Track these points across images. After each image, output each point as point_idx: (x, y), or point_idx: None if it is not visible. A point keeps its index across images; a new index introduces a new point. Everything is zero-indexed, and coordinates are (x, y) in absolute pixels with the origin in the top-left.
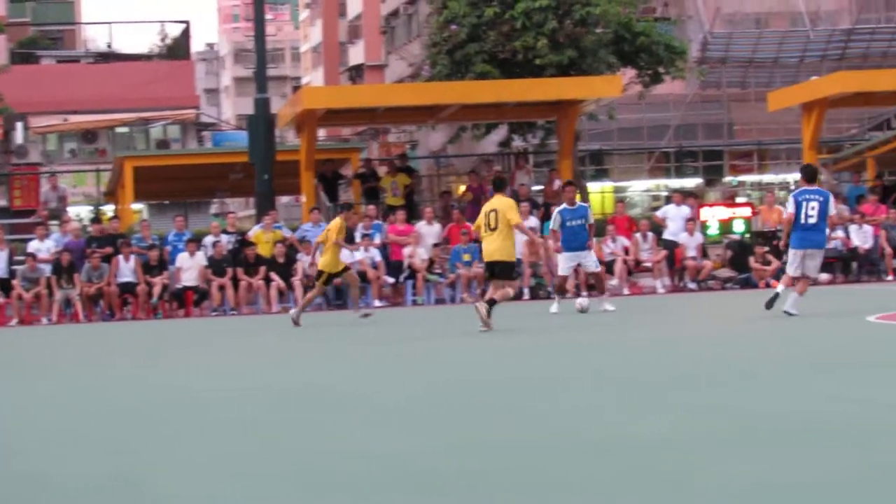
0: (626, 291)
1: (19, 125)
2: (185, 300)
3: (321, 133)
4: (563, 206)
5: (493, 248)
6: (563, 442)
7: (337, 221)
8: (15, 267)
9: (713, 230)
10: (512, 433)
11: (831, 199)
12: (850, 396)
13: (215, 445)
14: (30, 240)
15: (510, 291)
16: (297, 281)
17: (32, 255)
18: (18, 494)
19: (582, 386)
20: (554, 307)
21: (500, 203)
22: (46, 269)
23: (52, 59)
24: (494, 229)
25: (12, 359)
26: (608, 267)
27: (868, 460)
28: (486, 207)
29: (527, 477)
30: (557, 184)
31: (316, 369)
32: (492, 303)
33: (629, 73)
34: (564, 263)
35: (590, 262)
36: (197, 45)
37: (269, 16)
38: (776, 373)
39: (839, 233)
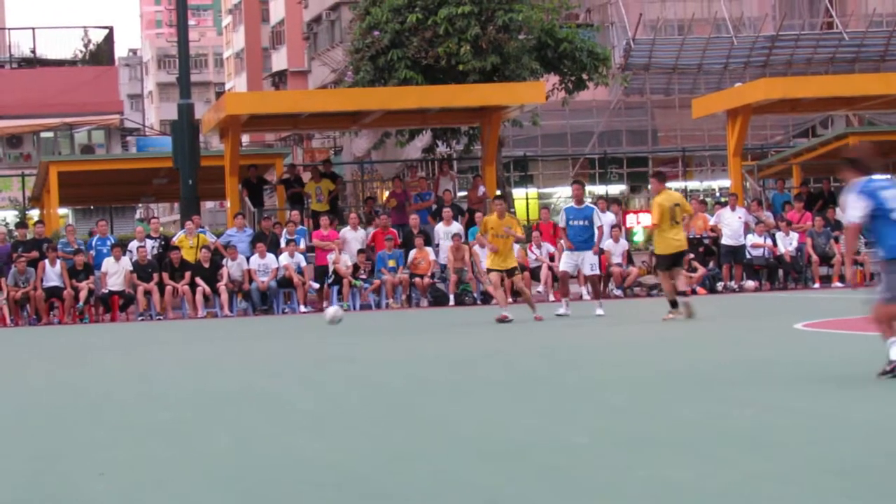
0: (551, 298)
1: None
2: (112, 305)
3: (245, 138)
4: (571, 204)
5: (682, 238)
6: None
7: (493, 216)
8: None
9: (639, 237)
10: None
11: None
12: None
13: (136, 450)
14: None
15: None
16: (221, 286)
17: None
18: None
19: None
20: (561, 309)
21: (678, 197)
22: None
23: None
24: (678, 223)
25: None
26: (532, 274)
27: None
28: (665, 202)
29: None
30: (482, 190)
31: (241, 374)
32: (680, 293)
33: (553, 79)
34: (565, 260)
35: (587, 264)
36: (120, 51)
37: (191, 21)
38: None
39: (766, 240)
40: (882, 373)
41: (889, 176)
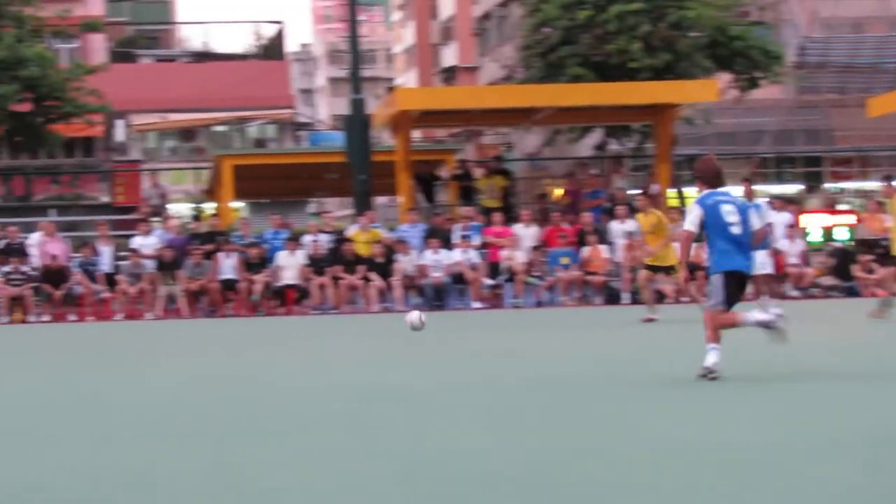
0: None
1: (120, 123)
2: (286, 298)
3: (416, 134)
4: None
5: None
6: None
7: (655, 213)
8: (119, 262)
9: (815, 237)
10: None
11: None
12: None
13: (315, 441)
14: (132, 236)
15: None
16: (395, 281)
17: (136, 251)
18: (121, 484)
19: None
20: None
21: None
22: (150, 264)
23: (150, 58)
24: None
25: (121, 351)
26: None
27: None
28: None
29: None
30: (655, 188)
31: (414, 368)
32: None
33: (725, 77)
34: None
35: (756, 263)
36: (291, 46)
37: (361, 17)
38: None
39: None
40: (700, 376)
41: (729, 190)
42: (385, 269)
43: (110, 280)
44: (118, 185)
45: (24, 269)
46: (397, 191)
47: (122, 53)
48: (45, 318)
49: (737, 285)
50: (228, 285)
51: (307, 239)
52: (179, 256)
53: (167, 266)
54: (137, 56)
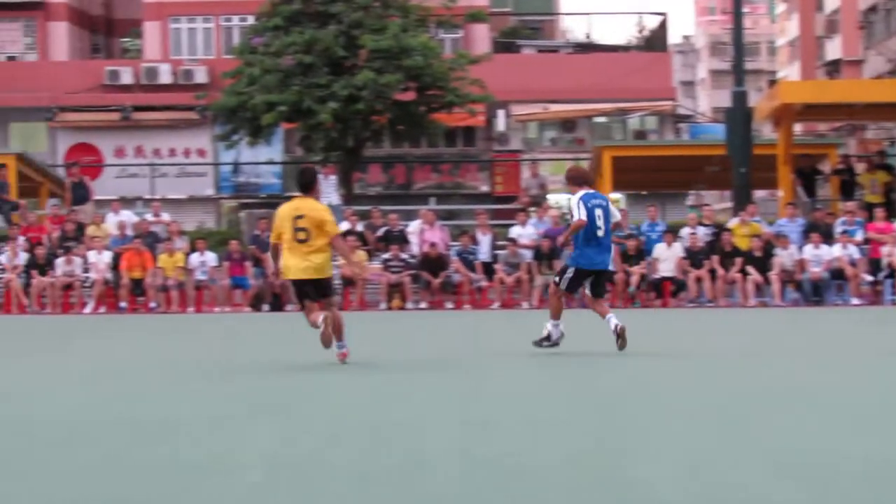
0: None
1: (501, 113)
2: (663, 290)
3: (796, 128)
4: None
5: None
6: None
7: None
8: (497, 251)
9: None
10: None
11: None
12: None
13: (686, 435)
14: (511, 225)
15: None
16: (774, 275)
17: (514, 241)
18: (495, 476)
19: None
20: None
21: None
22: (527, 254)
23: (532, 48)
24: None
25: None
26: None
27: None
28: None
29: None
30: None
31: (788, 365)
32: None
33: None
34: None
35: None
36: (674, 38)
37: (745, 9)
38: None
39: None
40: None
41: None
42: (763, 264)
43: (488, 269)
44: (498, 174)
45: (404, 256)
46: (777, 185)
47: (505, 44)
48: (423, 305)
49: None
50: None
51: (685, 231)
52: (557, 247)
53: (544, 256)
54: (520, 46)
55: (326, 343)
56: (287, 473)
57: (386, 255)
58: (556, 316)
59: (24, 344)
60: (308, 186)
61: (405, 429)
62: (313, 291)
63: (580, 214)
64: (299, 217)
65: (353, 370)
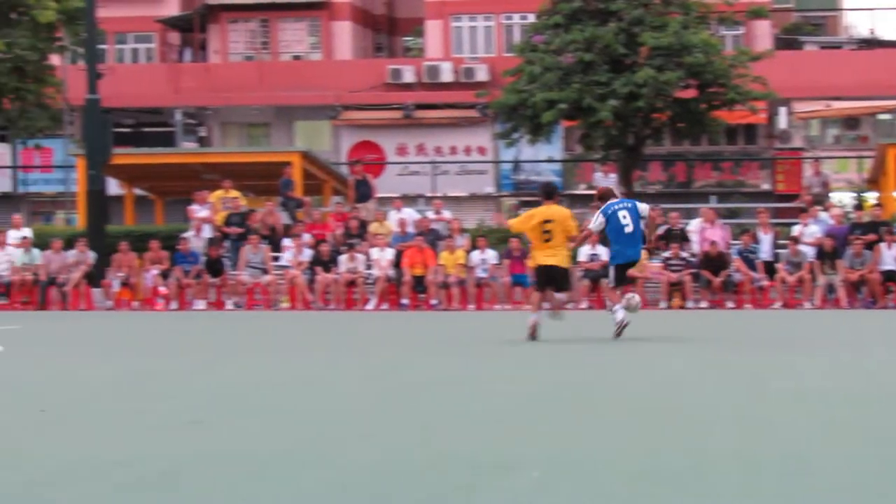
0: None
1: (782, 110)
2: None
3: None
4: None
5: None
6: None
7: None
8: (778, 250)
9: None
10: None
11: None
12: None
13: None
14: (793, 224)
15: None
16: None
17: (796, 240)
18: (776, 477)
19: None
20: None
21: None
22: (810, 253)
23: (814, 45)
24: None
25: (777, 339)
26: None
27: None
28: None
29: None
30: None
31: None
32: None
33: None
34: None
35: None
36: None
37: None
38: None
39: None
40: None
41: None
42: None
43: (769, 268)
44: (779, 172)
45: (684, 254)
46: None
47: (787, 40)
48: (703, 304)
49: None
50: (889, 276)
51: None
52: (840, 246)
53: (827, 255)
54: (802, 43)
55: (556, 314)
56: (568, 472)
57: (666, 254)
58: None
59: (314, 339)
60: (552, 195)
61: (686, 425)
62: (554, 279)
63: (593, 224)
64: (548, 221)
65: (634, 367)
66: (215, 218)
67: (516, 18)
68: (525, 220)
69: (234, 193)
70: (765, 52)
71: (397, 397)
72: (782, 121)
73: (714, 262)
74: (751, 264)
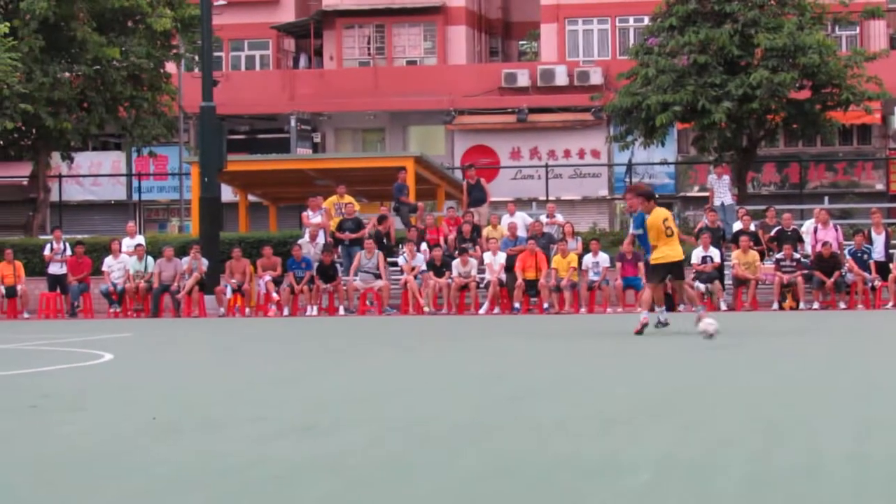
0: None
1: None
2: None
3: None
4: None
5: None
6: None
7: None
8: (892, 251)
9: None
10: None
11: None
12: None
13: None
14: None
15: None
16: None
17: None
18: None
19: None
20: None
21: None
22: None
23: None
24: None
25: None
26: None
27: None
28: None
29: None
30: None
31: None
32: None
33: None
34: None
35: None
36: None
37: None
38: None
39: None
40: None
41: None
42: None
43: (882, 268)
44: (893, 172)
45: (797, 255)
46: None
47: None
48: (815, 305)
49: None
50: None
51: None
52: None
53: None
54: None
55: (693, 300)
56: (678, 474)
57: (779, 255)
58: (659, 304)
59: (427, 343)
60: (653, 196)
61: (798, 426)
62: (676, 272)
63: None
64: (666, 219)
65: (746, 367)
66: (329, 224)
67: (631, 21)
68: (655, 220)
69: (348, 199)
70: (880, 52)
71: (508, 402)
72: None
73: (827, 262)
74: (864, 265)
